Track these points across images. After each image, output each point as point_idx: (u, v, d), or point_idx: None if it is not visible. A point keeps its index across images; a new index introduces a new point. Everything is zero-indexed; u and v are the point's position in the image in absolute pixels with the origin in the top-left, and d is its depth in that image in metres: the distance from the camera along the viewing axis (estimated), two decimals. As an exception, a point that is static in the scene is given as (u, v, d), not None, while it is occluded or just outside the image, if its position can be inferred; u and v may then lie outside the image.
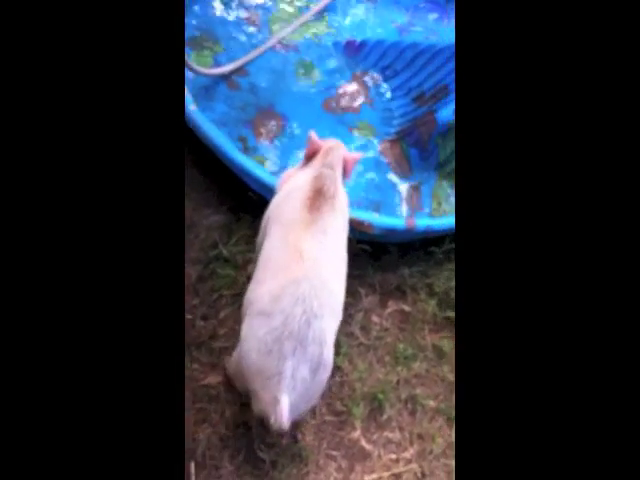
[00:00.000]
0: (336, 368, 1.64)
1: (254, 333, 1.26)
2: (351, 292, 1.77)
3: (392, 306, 1.83)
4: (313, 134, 1.58)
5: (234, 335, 1.52)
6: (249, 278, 1.65)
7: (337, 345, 1.63)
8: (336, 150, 1.56)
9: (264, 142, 2.02)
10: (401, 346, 1.74)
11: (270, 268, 1.34)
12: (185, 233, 1.78)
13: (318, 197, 1.39)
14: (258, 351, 1.23)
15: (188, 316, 1.64)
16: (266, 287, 1.29)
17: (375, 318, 1.79)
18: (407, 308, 1.83)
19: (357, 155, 1.65)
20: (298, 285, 1.25)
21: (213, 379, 1.55)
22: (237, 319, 1.62)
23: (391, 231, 1.80)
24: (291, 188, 1.49)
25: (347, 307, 1.74)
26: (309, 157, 1.57)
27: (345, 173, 1.56)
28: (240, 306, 1.59)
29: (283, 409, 1.19)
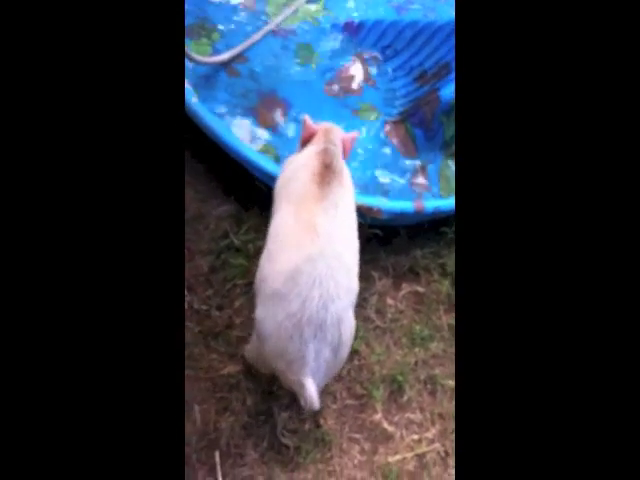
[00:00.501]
0: (354, 352, 1.65)
1: (272, 317, 1.25)
2: (364, 276, 1.76)
3: (406, 288, 1.82)
4: (307, 118, 1.58)
5: (250, 324, 1.51)
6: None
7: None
8: (335, 130, 1.57)
9: (268, 129, 2.00)
10: (417, 327, 1.74)
11: (283, 244, 1.32)
12: (194, 225, 1.77)
13: (327, 172, 1.39)
14: (279, 336, 1.23)
15: (203, 307, 1.63)
16: (280, 265, 1.27)
17: (390, 301, 1.78)
18: (421, 289, 1.82)
19: (354, 134, 1.63)
20: (314, 264, 1.23)
21: (232, 368, 1.55)
22: (252, 308, 1.61)
23: (400, 215, 1.79)
24: (296, 166, 1.48)
25: (361, 291, 1.72)
26: (305, 142, 1.57)
27: (344, 153, 1.56)
28: (254, 295, 1.60)
29: (312, 393, 1.20)
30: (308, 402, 1.20)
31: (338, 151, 1.49)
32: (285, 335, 1.22)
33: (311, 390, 1.20)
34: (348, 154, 1.61)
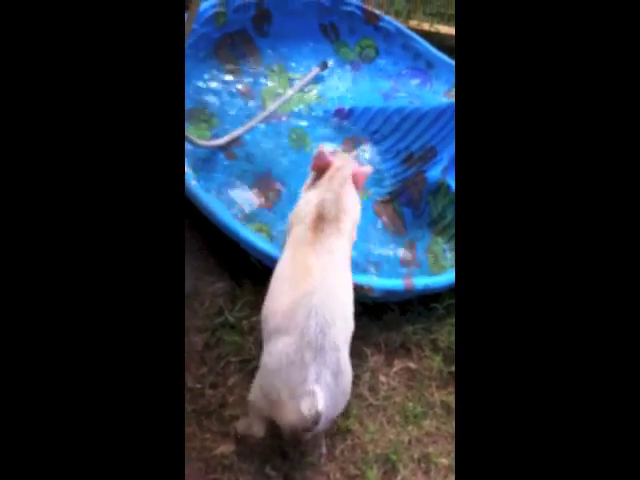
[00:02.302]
0: (347, 431, 1.64)
1: (274, 348, 1.34)
2: (357, 353, 1.79)
3: (398, 364, 1.84)
4: (323, 147, 1.71)
5: (244, 402, 1.51)
6: (255, 344, 1.69)
7: (347, 407, 1.63)
8: (342, 171, 1.66)
9: (263, 208, 2.08)
10: (410, 405, 1.74)
11: (281, 284, 1.45)
12: (190, 301, 1.80)
13: (320, 221, 1.53)
14: (280, 363, 1.30)
15: (197, 385, 1.63)
16: (279, 303, 1.40)
17: (382, 378, 1.80)
18: (413, 365, 1.84)
19: (366, 169, 1.76)
20: (311, 297, 1.35)
21: (226, 448, 1.53)
22: (246, 386, 1.62)
23: (390, 293, 1.84)
24: (300, 209, 1.61)
25: (354, 368, 1.73)
26: (317, 169, 1.70)
27: (356, 187, 1.69)
28: (248, 372, 1.61)
29: (318, 397, 1.25)
30: (312, 407, 1.24)
31: (336, 197, 1.58)
32: (286, 361, 1.29)
33: (319, 395, 1.25)
34: (361, 187, 1.73)
